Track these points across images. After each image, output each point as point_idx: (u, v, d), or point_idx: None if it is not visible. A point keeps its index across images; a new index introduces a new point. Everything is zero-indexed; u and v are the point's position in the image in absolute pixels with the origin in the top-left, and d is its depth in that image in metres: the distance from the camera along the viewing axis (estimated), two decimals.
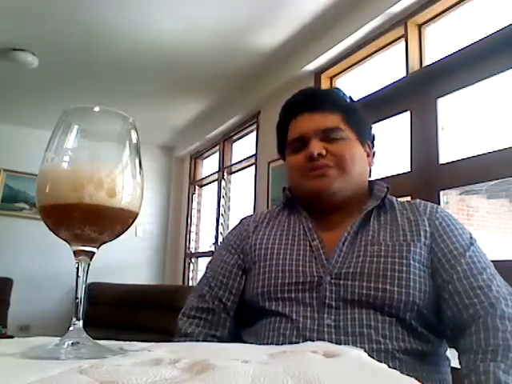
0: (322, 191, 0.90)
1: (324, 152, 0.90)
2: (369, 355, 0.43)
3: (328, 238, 0.89)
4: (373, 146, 1.01)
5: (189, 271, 4.89)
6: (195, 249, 4.97)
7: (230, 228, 1.07)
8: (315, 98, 0.97)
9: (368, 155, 0.99)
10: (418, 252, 0.84)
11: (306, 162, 0.91)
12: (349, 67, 2.93)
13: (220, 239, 4.23)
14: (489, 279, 0.80)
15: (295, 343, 0.78)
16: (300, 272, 0.85)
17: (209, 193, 4.98)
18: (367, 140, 0.99)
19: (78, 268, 0.49)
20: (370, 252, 0.84)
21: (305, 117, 0.95)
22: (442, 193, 2.13)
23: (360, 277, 0.81)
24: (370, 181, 0.99)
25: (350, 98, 1.01)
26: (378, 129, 2.45)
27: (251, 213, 1.13)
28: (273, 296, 0.85)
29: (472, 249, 0.85)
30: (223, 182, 4.38)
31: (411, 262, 0.82)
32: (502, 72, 1.93)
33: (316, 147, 0.90)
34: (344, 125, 0.94)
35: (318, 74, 3.07)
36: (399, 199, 0.98)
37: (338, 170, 0.90)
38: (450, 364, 0.86)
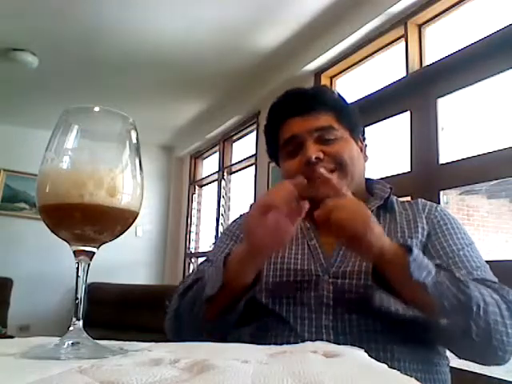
0: (325, 199, 0.89)
1: (321, 155, 0.87)
2: (369, 355, 0.43)
3: (326, 237, 0.89)
4: (364, 139, 1.00)
5: (189, 271, 4.89)
6: (195, 249, 4.97)
7: None
8: (305, 99, 0.94)
9: (361, 150, 0.97)
10: None
11: (303, 167, 0.88)
12: (349, 67, 2.93)
13: None
14: (485, 273, 0.81)
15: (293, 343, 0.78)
16: (298, 271, 0.85)
17: (209, 193, 4.98)
18: (359, 135, 0.97)
19: (77, 268, 0.49)
20: None
21: (296, 119, 0.92)
22: (441, 193, 2.13)
23: (358, 275, 0.81)
24: (367, 179, 0.99)
25: (338, 94, 0.98)
26: (378, 129, 2.46)
27: None
28: (270, 294, 0.85)
29: (467, 249, 0.84)
30: (223, 182, 4.38)
31: None
32: (501, 72, 1.92)
33: (312, 151, 0.87)
34: (337, 123, 0.92)
35: (318, 74, 3.07)
36: (396, 198, 0.97)
37: (339, 171, 0.88)
38: (449, 364, 0.86)
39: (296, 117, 0.92)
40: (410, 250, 0.70)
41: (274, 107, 0.99)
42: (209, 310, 0.78)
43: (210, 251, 1.02)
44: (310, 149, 0.88)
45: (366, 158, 0.98)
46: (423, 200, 0.95)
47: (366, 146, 1.00)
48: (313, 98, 0.94)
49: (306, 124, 0.91)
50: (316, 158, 0.87)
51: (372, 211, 0.90)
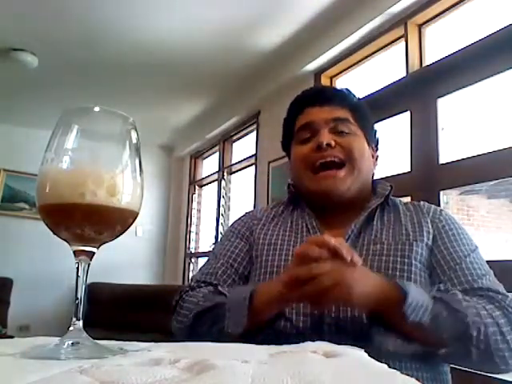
0: (330, 192, 0.90)
1: (333, 143, 0.89)
2: (369, 355, 0.43)
3: (331, 235, 0.89)
4: (377, 150, 1.02)
5: (189, 271, 4.89)
6: (195, 249, 4.97)
7: None
8: (325, 93, 0.98)
9: (373, 156, 0.99)
10: (419, 252, 0.84)
11: (314, 152, 0.90)
12: (349, 67, 2.93)
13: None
14: (490, 282, 0.81)
15: (295, 342, 0.78)
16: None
17: (209, 193, 4.98)
18: (373, 141, 0.99)
19: (78, 268, 0.49)
20: (373, 251, 0.84)
21: (314, 108, 0.95)
22: (442, 193, 2.13)
23: None
24: (373, 181, 1.00)
25: (358, 98, 1.01)
26: (377, 129, 2.46)
27: None
28: None
29: (473, 255, 0.85)
30: (223, 182, 4.38)
31: (413, 261, 0.82)
32: (501, 72, 1.92)
33: (325, 137, 0.89)
34: (352, 119, 0.94)
35: (318, 74, 3.07)
36: (400, 199, 0.98)
37: (348, 165, 0.89)
38: (449, 364, 0.86)
39: (314, 106, 0.95)
40: (404, 294, 0.69)
41: (294, 100, 1.02)
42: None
43: (214, 247, 1.02)
44: (322, 135, 0.90)
45: (375, 164, 1.00)
46: (427, 203, 0.96)
47: (377, 157, 1.01)
48: (332, 93, 0.99)
49: (323, 113, 0.93)
50: (327, 144, 0.89)
51: (373, 210, 0.91)
